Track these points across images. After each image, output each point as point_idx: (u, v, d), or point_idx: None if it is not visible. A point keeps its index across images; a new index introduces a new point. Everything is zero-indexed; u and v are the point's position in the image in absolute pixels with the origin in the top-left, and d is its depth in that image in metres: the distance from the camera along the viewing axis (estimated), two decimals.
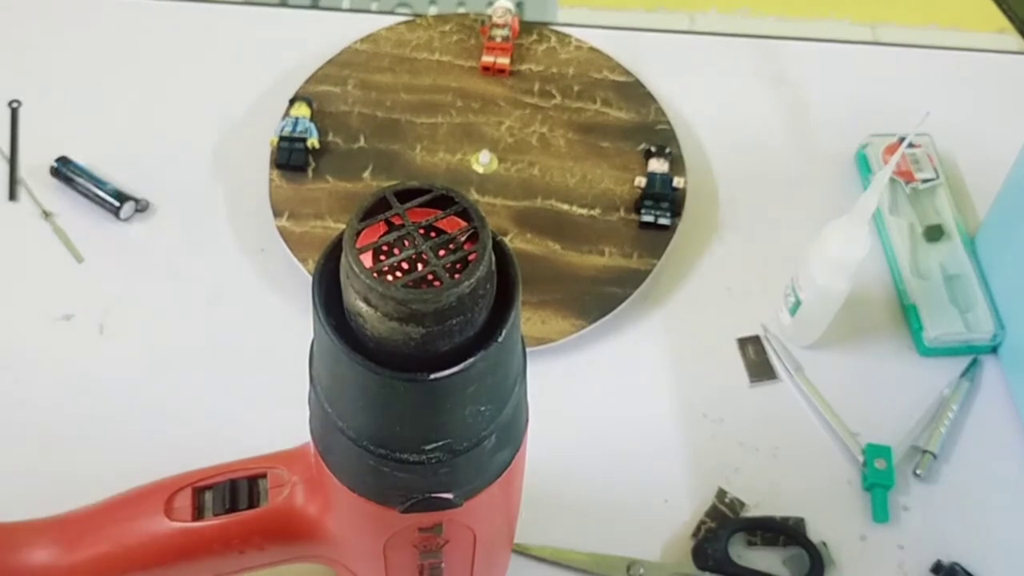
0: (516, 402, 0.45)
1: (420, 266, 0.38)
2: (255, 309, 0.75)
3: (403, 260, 0.38)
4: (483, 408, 0.42)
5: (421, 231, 0.39)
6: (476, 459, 0.44)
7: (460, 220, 0.39)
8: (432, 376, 0.38)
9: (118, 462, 0.64)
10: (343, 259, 0.38)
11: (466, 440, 0.42)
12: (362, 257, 0.37)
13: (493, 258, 0.39)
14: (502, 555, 0.59)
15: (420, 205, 0.39)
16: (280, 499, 0.50)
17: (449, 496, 0.44)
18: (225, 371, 0.72)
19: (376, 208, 0.39)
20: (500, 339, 0.39)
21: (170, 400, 0.70)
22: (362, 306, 0.38)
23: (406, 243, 0.38)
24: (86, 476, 0.58)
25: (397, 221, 0.39)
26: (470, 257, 0.38)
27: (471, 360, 0.39)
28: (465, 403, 0.41)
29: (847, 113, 0.85)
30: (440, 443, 0.42)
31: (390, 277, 0.38)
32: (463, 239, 0.39)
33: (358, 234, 0.38)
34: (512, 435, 0.46)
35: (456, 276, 0.38)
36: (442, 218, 0.39)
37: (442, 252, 0.38)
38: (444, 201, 0.40)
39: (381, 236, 0.38)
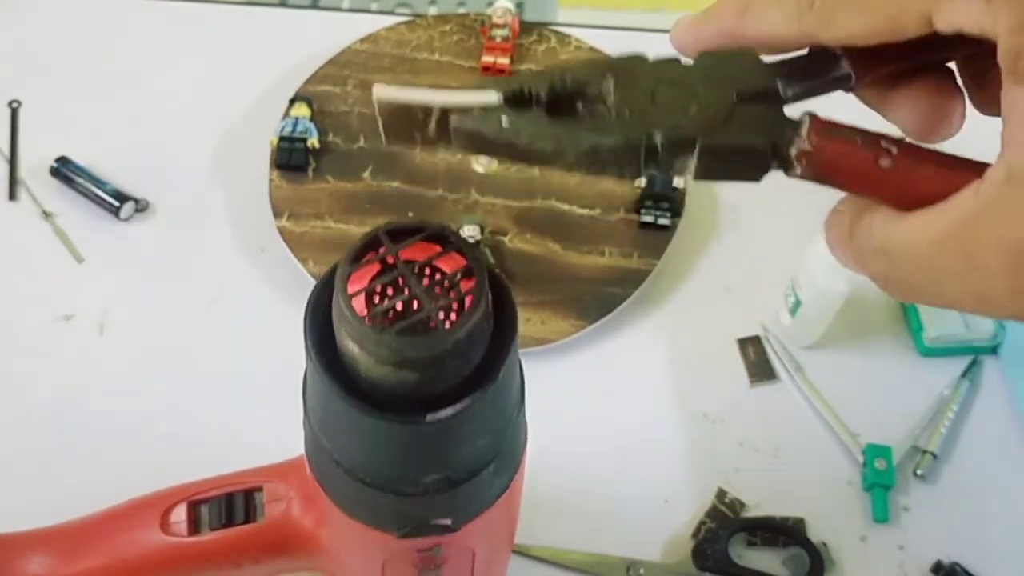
0: (515, 428, 0.44)
1: (415, 305, 0.37)
2: (255, 309, 0.75)
3: (397, 303, 0.37)
4: (481, 442, 0.41)
5: (416, 271, 0.37)
6: (475, 487, 0.43)
7: (456, 257, 0.38)
8: (429, 418, 0.37)
9: (118, 462, 0.64)
10: (335, 303, 0.37)
11: (465, 472, 0.42)
12: (354, 302, 0.36)
13: (490, 297, 0.38)
14: (501, 563, 0.59)
15: (414, 242, 0.38)
16: (276, 513, 0.50)
17: (447, 522, 0.43)
18: (225, 371, 0.72)
19: (366, 248, 0.38)
20: (497, 380, 0.38)
21: (170, 399, 0.70)
22: (355, 349, 0.37)
23: (400, 282, 0.37)
24: (86, 476, 0.58)
25: (391, 260, 0.37)
26: (466, 299, 0.37)
27: (467, 401, 0.38)
28: (462, 440, 0.40)
29: (848, 113, 0.85)
30: (438, 476, 0.41)
31: (384, 319, 0.36)
32: (459, 278, 0.38)
33: (350, 275, 0.37)
34: (510, 460, 0.45)
35: (452, 318, 0.36)
36: (437, 257, 0.38)
37: (437, 291, 0.37)
38: (437, 239, 0.38)
39: (374, 277, 0.37)
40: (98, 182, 0.78)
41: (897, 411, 0.72)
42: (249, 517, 0.50)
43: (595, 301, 0.74)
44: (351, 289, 0.36)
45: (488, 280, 0.38)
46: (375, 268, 0.37)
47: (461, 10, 0.93)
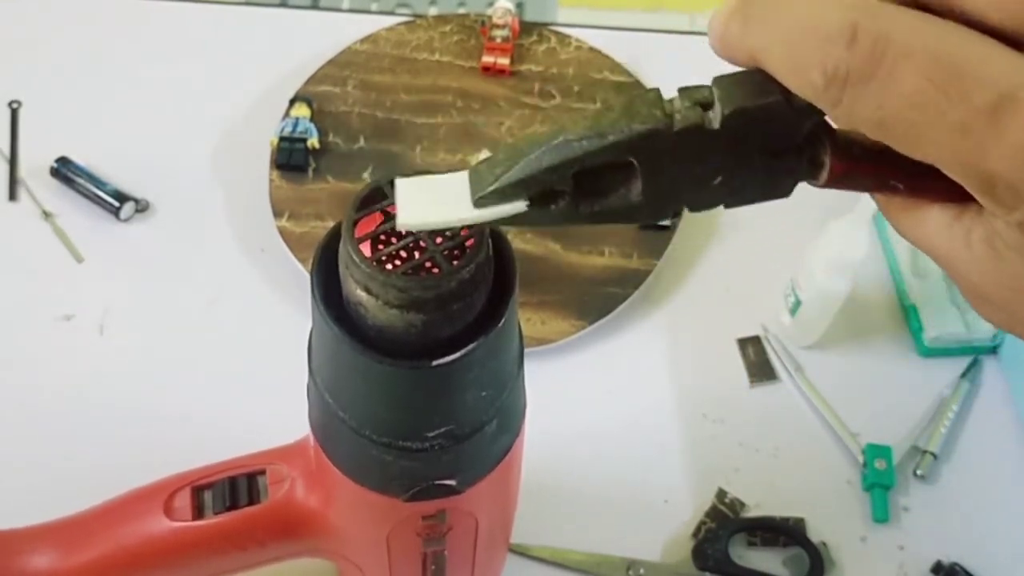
0: (515, 387, 0.45)
1: (418, 254, 0.38)
2: (255, 309, 0.75)
3: (401, 249, 0.38)
4: (484, 393, 0.42)
5: None
6: (478, 445, 0.44)
7: None
8: (434, 363, 0.39)
9: (118, 462, 0.64)
10: (342, 249, 0.38)
11: (468, 426, 0.43)
12: (361, 247, 0.37)
13: (490, 242, 0.39)
14: (502, 544, 0.59)
15: None
16: (280, 495, 0.50)
17: (452, 483, 0.44)
18: (225, 371, 0.72)
19: (371, 197, 0.39)
20: (501, 323, 0.40)
21: (170, 400, 0.70)
22: (362, 295, 0.38)
23: (403, 231, 0.38)
24: (86, 476, 0.58)
25: (393, 210, 0.38)
26: (467, 243, 0.38)
27: (473, 345, 0.39)
28: (467, 388, 0.41)
29: None
30: (442, 430, 0.42)
31: (389, 266, 0.38)
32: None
33: (355, 224, 0.38)
34: (512, 420, 0.46)
35: (455, 262, 0.38)
36: None
37: (439, 239, 0.38)
38: None
39: (378, 225, 0.38)
40: (98, 182, 0.78)
41: (897, 411, 0.72)
42: (253, 499, 0.51)
43: (595, 301, 0.74)
44: (358, 234, 0.38)
45: (488, 229, 0.39)
46: (379, 217, 0.39)
47: (461, 10, 0.93)
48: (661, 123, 0.33)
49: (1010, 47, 0.29)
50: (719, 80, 0.33)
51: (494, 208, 0.34)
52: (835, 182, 0.34)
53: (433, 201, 0.36)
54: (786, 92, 0.32)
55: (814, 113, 0.32)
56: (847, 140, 0.34)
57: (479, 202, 0.35)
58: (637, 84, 0.84)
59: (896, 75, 0.29)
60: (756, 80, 0.32)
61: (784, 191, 0.35)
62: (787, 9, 0.31)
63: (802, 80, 0.31)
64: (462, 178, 0.35)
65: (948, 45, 0.29)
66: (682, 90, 0.33)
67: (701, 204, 0.35)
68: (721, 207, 0.35)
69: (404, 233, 0.38)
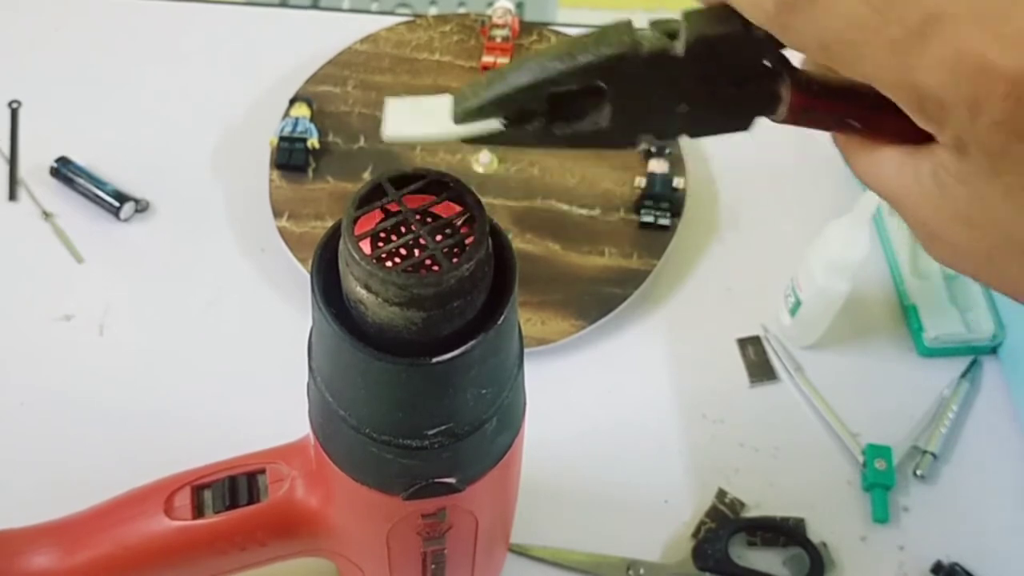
0: (515, 385, 0.45)
1: (418, 251, 0.38)
2: (255, 309, 0.75)
3: (401, 246, 0.38)
4: (484, 391, 0.42)
5: (417, 217, 0.39)
6: (478, 443, 0.44)
7: (455, 205, 0.40)
8: (434, 360, 0.39)
9: (118, 462, 0.64)
10: (342, 246, 0.38)
11: (468, 424, 0.43)
12: (361, 244, 0.38)
13: (490, 240, 0.40)
14: (501, 542, 0.59)
15: (415, 191, 0.40)
16: (280, 494, 0.51)
17: (452, 481, 0.44)
18: (225, 371, 0.72)
19: (372, 195, 0.39)
20: (500, 321, 0.40)
21: (170, 400, 0.70)
22: (363, 293, 0.38)
23: (403, 229, 0.39)
24: (86, 476, 0.58)
25: (393, 208, 0.39)
26: (467, 240, 0.38)
27: (473, 342, 0.39)
28: (467, 386, 0.41)
29: None
30: (442, 427, 0.42)
31: (389, 263, 0.38)
32: (459, 223, 0.39)
33: (355, 221, 0.38)
34: (512, 419, 0.46)
35: (455, 260, 0.38)
36: (438, 203, 0.39)
37: (439, 237, 0.39)
38: (439, 186, 0.40)
39: (378, 223, 0.39)
40: (98, 182, 0.78)
41: (897, 411, 0.72)
42: (253, 498, 0.51)
43: (595, 301, 0.74)
44: (358, 231, 0.38)
45: (488, 227, 0.39)
46: (379, 214, 0.39)
47: (461, 10, 0.93)
48: (628, 48, 0.35)
49: None
50: (687, 13, 0.36)
51: (472, 125, 0.36)
52: (794, 117, 0.37)
53: (418, 117, 0.37)
54: (746, 23, 0.34)
55: (772, 43, 0.35)
56: (807, 77, 0.36)
57: (459, 119, 0.36)
58: None
59: None
60: (720, 13, 0.35)
61: (744, 123, 0.38)
62: None
63: (756, 8, 0.34)
64: (447, 100, 0.37)
65: None
66: (652, 22, 0.36)
67: (667, 132, 0.37)
68: (686, 136, 0.38)
69: (404, 231, 0.38)
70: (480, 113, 0.36)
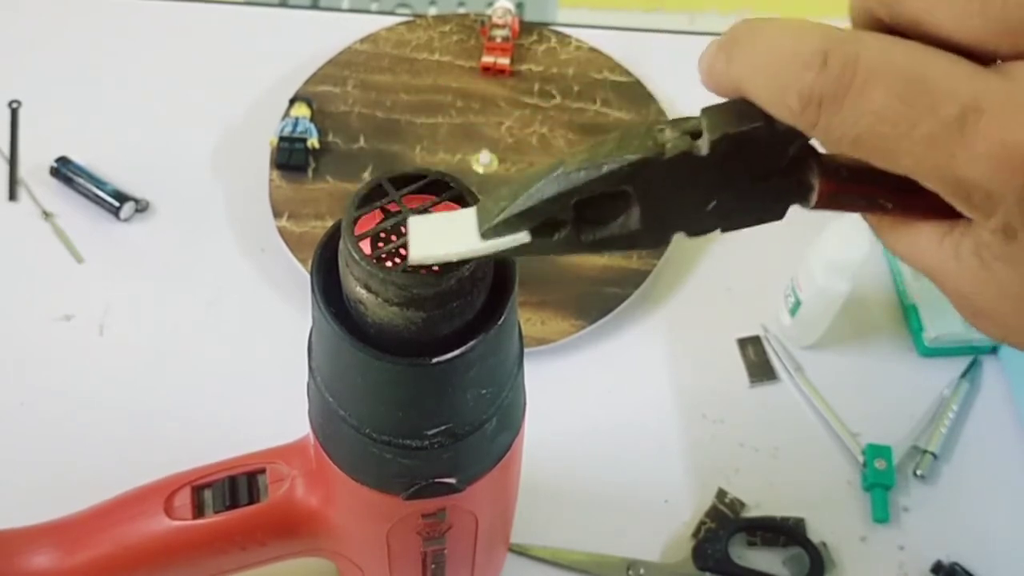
0: (515, 385, 0.45)
1: None
2: (255, 309, 0.75)
3: (401, 246, 0.38)
4: (484, 391, 0.42)
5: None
6: (478, 443, 0.44)
7: (455, 205, 0.40)
8: (434, 360, 0.39)
9: (118, 462, 0.64)
10: (342, 247, 0.39)
11: (468, 424, 0.43)
12: (361, 244, 0.38)
13: None
14: (501, 543, 0.59)
15: (415, 191, 0.40)
16: (280, 493, 0.50)
17: (452, 481, 0.45)
18: (225, 371, 0.72)
19: (372, 195, 0.39)
20: (500, 321, 0.40)
21: (170, 400, 0.70)
22: (362, 293, 0.38)
23: (403, 229, 0.38)
24: (86, 476, 0.58)
25: (393, 208, 0.39)
26: None
27: (473, 343, 0.39)
28: (467, 386, 0.41)
29: None
30: (442, 428, 0.42)
31: (389, 263, 0.38)
32: None
33: (355, 221, 0.38)
34: (512, 418, 0.46)
35: None
36: (438, 203, 0.39)
37: None
38: (439, 186, 0.40)
39: (378, 223, 0.39)
40: (98, 182, 0.78)
41: (897, 411, 0.72)
42: (253, 498, 0.51)
43: (595, 301, 0.74)
44: (358, 231, 0.38)
45: None
46: (379, 214, 0.39)
47: (461, 10, 0.93)
48: (652, 152, 0.34)
49: (973, 62, 0.31)
50: (707, 110, 0.35)
51: (500, 239, 0.36)
52: (825, 203, 0.36)
53: (443, 235, 0.37)
54: (769, 118, 0.33)
55: (797, 137, 0.34)
56: (834, 163, 0.35)
57: (486, 234, 0.36)
58: (637, 84, 0.84)
59: (866, 94, 0.31)
60: (741, 108, 0.34)
61: (776, 214, 0.37)
62: (765, 42, 0.33)
63: (781, 105, 0.32)
64: (470, 213, 0.37)
65: (913, 63, 0.31)
66: (672, 121, 0.35)
67: (698, 229, 0.37)
68: (718, 231, 0.37)
69: (404, 230, 0.38)
70: (506, 227, 0.36)
